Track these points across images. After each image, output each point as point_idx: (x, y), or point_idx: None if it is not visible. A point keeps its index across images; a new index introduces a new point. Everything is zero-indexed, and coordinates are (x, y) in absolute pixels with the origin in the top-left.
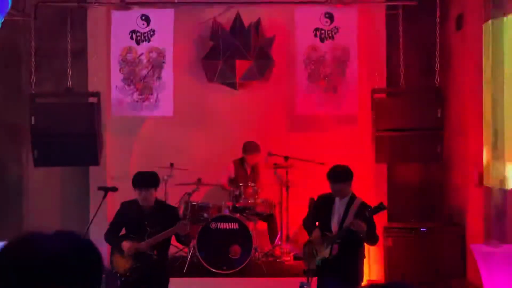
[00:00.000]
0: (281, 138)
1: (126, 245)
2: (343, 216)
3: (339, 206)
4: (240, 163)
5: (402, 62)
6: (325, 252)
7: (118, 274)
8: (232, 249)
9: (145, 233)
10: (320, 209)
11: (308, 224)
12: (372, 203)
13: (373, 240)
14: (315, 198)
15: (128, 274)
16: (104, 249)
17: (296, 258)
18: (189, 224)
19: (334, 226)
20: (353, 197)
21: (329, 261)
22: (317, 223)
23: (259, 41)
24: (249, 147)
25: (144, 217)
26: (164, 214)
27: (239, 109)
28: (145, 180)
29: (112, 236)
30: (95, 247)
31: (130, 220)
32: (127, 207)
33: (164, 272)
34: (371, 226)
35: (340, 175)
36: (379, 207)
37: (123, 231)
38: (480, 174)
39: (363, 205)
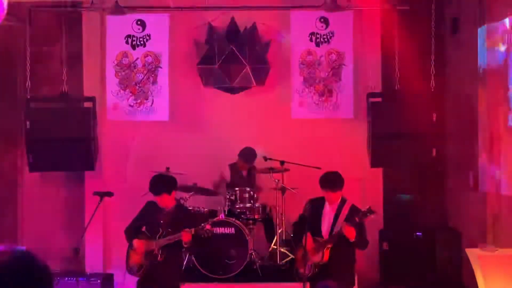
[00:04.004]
0: (277, 142)
1: (136, 242)
2: (334, 220)
3: (329, 210)
4: (235, 167)
5: (397, 66)
6: (317, 257)
7: (135, 270)
8: (228, 253)
9: (158, 233)
10: (310, 213)
11: (298, 229)
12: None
13: (363, 245)
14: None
15: (139, 271)
16: (100, 248)
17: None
18: (192, 232)
19: (324, 230)
20: (343, 201)
21: (320, 266)
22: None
23: (255, 45)
24: (243, 154)
25: (160, 218)
26: (181, 218)
27: (235, 114)
28: (155, 186)
29: (129, 231)
30: (42, 262)
31: (148, 219)
32: (149, 206)
33: (171, 277)
34: (362, 231)
35: (335, 183)
36: (368, 212)
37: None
38: (476, 178)
39: (353, 209)
